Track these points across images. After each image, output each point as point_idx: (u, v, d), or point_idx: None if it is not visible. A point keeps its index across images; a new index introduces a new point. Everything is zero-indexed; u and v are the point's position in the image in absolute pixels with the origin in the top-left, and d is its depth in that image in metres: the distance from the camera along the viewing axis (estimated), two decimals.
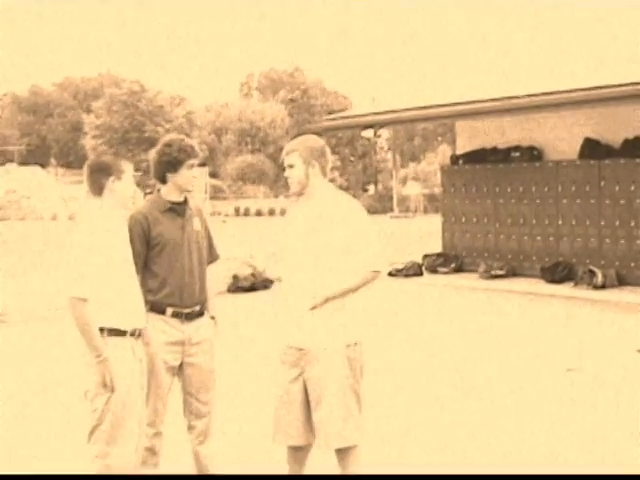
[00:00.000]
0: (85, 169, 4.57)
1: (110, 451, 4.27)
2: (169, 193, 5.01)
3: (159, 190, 5.05)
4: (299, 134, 5.48)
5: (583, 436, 6.26)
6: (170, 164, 4.94)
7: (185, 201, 5.06)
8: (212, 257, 5.24)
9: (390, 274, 15.76)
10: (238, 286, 14.35)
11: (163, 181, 5.00)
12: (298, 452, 4.75)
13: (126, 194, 4.54)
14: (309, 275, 4.57)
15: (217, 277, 5.41)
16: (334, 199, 4.71)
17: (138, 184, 4.88)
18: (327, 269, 4.54)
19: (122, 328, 4.36)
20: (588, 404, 7.09)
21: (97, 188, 4.48)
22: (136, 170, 4.91)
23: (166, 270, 4.91)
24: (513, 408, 7.01)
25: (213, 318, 5.15)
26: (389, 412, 6.94)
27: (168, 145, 4.97)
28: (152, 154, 5.05)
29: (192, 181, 4.99)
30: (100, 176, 4.46)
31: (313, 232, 4.61)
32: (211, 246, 5.24)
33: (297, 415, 4.63)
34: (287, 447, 4.76)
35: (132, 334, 4.41)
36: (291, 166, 4.69)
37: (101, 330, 4.29)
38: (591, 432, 6.34)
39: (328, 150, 4.81)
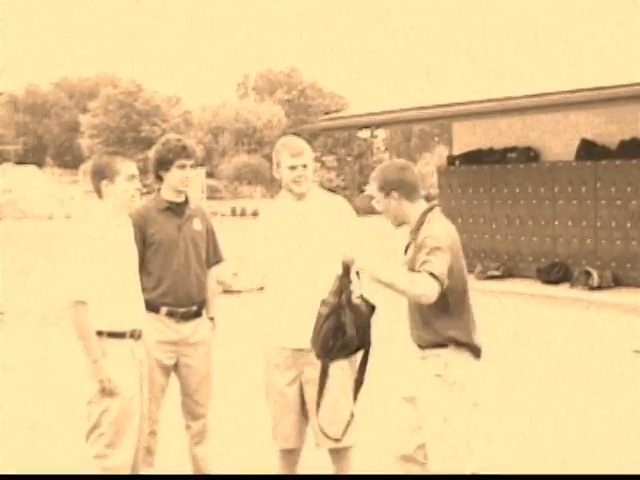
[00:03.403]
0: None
1: (109, 453, 4.26)
2: (166, 192, 5.03)
3: (159, 189, 5.06)
4: (295, 135, 5.47)
5: (580, 437, 6.27)
6: (161, 162, 4.98)
7: (186, 201, 5.07)
8: (216, 258, 5.22)
9: None
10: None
11: (160, 180, 5.03)
12: (292, 454, 4.75)
13: (121, 194, 4.38)
14: (309, 276, 4.53)
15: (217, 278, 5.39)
16: (326, 199, 4.70)
17: None
18: (327, 269, 4.49)
19: (120, 330, 4.32)
20: (584, 405, 7.10)
21: (96, 190, 4.44)
22: None
23: (161, 269, 4.92)
24: (507, 409, 7.02)
25: (212, 319, 5.15)
26: (384, 412, 6.93)
27: (162, 144, 5.02)
28: (151, 152, 5.09)
29: (184, 181, 4.99)
30: (94, 179, 4.42)
31: (311, 232, 4.58)
32: (215, 248, 5.22)
33: (294, 419, 4.62)
34: (280, 450, 4.74)
35: (131, 335, 4.37)
36: (305, 165, 4.60)
37: (100, 333, 4.25)
38: (588, 433, 6.35)
39: None
